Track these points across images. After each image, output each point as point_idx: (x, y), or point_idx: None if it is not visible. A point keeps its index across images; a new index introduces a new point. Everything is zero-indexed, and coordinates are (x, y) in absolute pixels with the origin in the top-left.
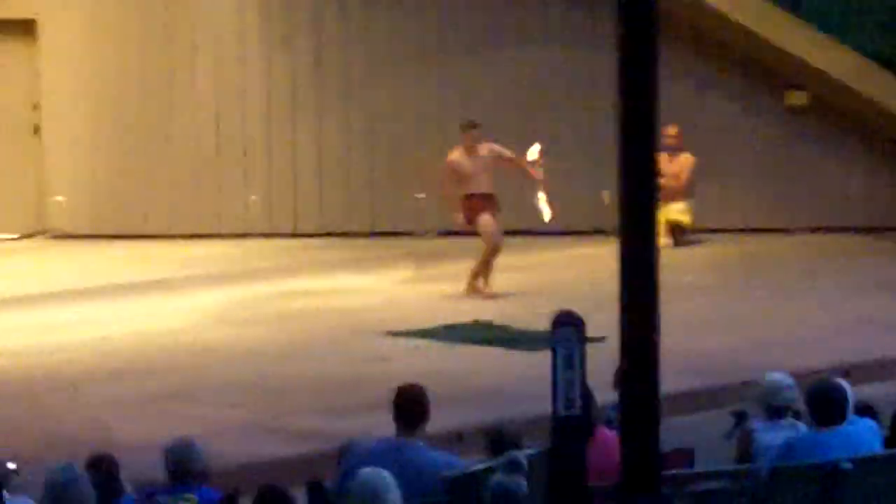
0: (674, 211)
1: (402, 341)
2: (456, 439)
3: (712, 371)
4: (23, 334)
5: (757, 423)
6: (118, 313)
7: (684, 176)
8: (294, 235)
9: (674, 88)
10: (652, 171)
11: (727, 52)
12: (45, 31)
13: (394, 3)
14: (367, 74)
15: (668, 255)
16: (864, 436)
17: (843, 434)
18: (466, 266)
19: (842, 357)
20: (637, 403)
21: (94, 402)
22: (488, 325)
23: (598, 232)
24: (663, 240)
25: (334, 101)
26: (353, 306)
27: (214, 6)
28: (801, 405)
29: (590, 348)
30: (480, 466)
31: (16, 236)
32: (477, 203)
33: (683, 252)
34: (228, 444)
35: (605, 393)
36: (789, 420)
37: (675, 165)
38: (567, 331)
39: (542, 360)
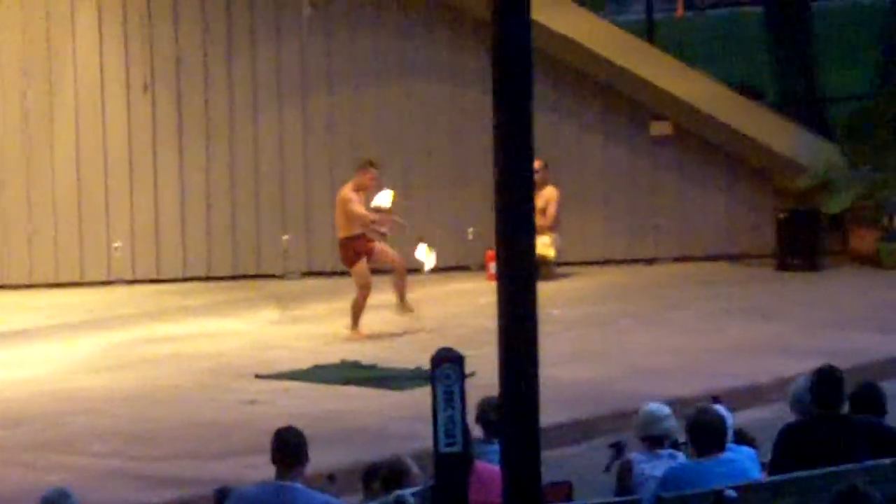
0: (539, 245)
1: (270, 383)
2: (328, 480)
3: (587, 402)
4: None
5: (636, 454)
6: None
7: (551, 210)
8: (157, 281)
9: (535, 121)
10: (529, 205)
11: (588, 83)
12: None
13: (253, 44)
14: (228, 116)
15: None
16: (744, 463)
17: (724, 462)
18: (333, 306)
19: (713, 384)
20: (518, 436)
21: None
22: (355, 365)
23: (462, 268)
24: None
25: (195, 143)
26: (221, 350)
27: (74, 52)
28: (678, 434)
29: None
30: None
31: None
32: (361, 245)
33: (549, 286)
34: (102, 492)
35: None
36: (668, 450)
37: (540, 199)
38: (447, 368)
39: (410, 399)
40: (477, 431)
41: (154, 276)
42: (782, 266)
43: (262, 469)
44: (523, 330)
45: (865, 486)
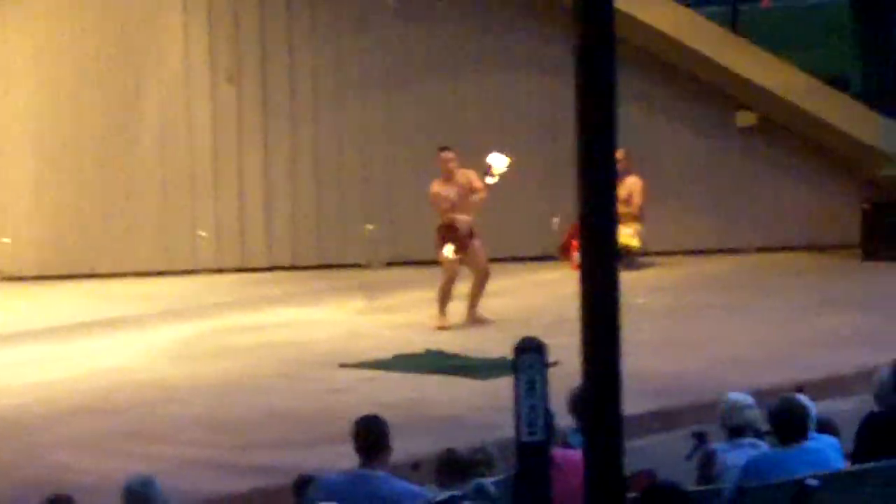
0: (623, 235)
1: (354, 373)
2: (412, 468)
3: (670, 392)
4: None
5: (718, 444)
6: (71, 353)
7: (636, 199)
8: (242, 270)
9: (621, 111)
10: (612, 194)
11: (675, 73)
12: None
13: (338, 35)
14: (312, 107)
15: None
16: (826, 452)
17: (806, 451)
18: (417, 295)
19: (796, 374)
20: (601, 427)
21: (51, 443)
22: (440, 354)
23: (547, 257)
24: None
25: (280, 134)
26: (305, 339)
27: (160, 44)
28: (761, 424)
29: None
30: (447, 495)
31: None
32: (450, 234)
33: (632, 275)
34: (187, 481)
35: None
36: (750, 439)
37: (622, 189)
38: (530, 356)
39: (492, 388)
40: (569, 420)
41: (239, 266)
42: (868, 256)
43: (346, 458)
44: (606, 319)
45: None
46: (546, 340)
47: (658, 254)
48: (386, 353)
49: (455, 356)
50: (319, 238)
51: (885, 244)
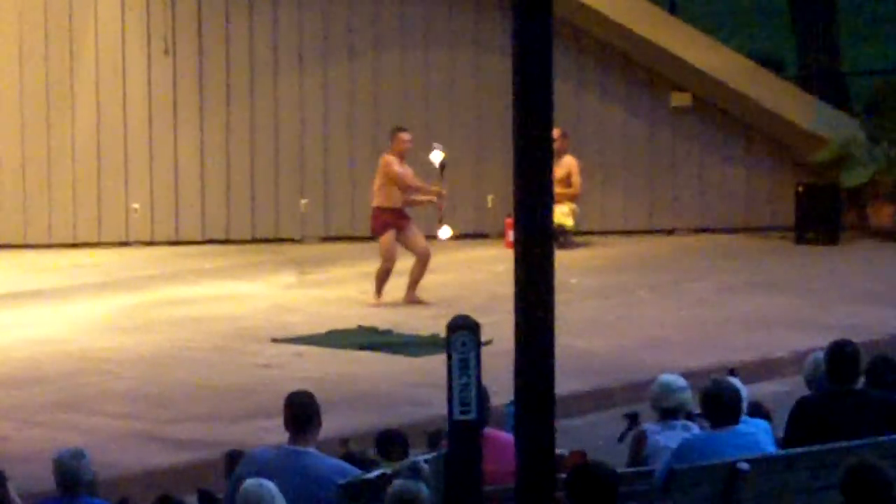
0: (557, 213)
1: (286, 347)
2: (341, 445)
3: (603, 372)
4: None
5: (650, 425)
6: (2, 322)
7: (575, 179)
8: (175, 243)
9: (556, 90)
10: (548, 173)
11: (610, 53)
12: None
13: (274, 7)
14: (248, 80)
15: None
16: (758, 436)
17: (738, 434)
18: (350, 271)
19: (728, 356)
20: (533, 405)
21: None
22: (372, 331)
23: (481, 235)
24: None
25: (216, 107)
26: (238, 313)
27: (95, 15)
28: (693, 406)
29: None
30: (377, 472)
31: None
32: (392, 218)
33: (567, 254)
34: (117, 453)
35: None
36: (682, 421)
37: (559, 169)
38: (463, 335)
39: (425, 365)
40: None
41: (172, 239)
42: (800, 239)
43: (277, 433)
44: (540, 298)
45: (877, 460)
46: (479, 319)
47: (591, 233)
48: (319, 329)
49: (388, 333)
50: (253, 212)
51: (819, 227)
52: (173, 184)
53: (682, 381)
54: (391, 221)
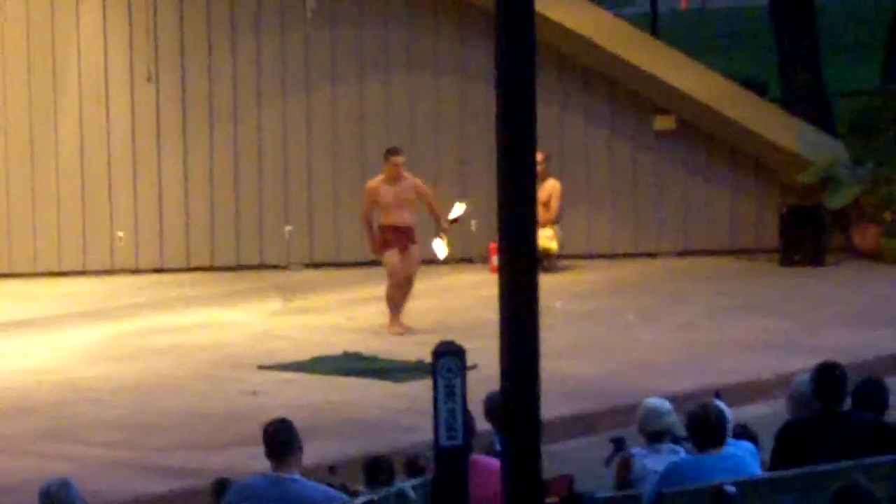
0: (541, 237)
1: (272, 374)
2: (328, 472)
3: (588, 396)
4: None
5: (636, 449)
6: None
7: (554, 203)
8: (160, 271)
9: (540, 114)
10: (532, 197)
11: (592, 76)
12: None
13: (257, 34)
14: (232, 107)
15: None
16: (744, 459)
17: (725, 457)
18: (335, 297)
19: (715, 379)
20: (520, 431)
21: None
22: (357, 357)
23: (466, 260)
24: None
25: (199, 134)
26: (223, 341)
27: (78, 43)
28: (679, 430)
29: None
30: (365, 498)
31: None
32: (393, 236)
33: (551, 278)
34: (103, 482)
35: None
36: (669, 445)
37: (542, 192)
38: (449, 360)
39: (410, 391)
40: (486, 425)
41: (157, 266)
42: (786, 261)
43: (263, 460)
44: (525, 323)
45: (865, 483)
46: (464, 344)
47: (576, 257)
48: (304, 355)
49: (373, 359)
50: (238, 239)
51: (804, 248)
52: (157, 211)
53: (667, 405)
54: (392, 239)
